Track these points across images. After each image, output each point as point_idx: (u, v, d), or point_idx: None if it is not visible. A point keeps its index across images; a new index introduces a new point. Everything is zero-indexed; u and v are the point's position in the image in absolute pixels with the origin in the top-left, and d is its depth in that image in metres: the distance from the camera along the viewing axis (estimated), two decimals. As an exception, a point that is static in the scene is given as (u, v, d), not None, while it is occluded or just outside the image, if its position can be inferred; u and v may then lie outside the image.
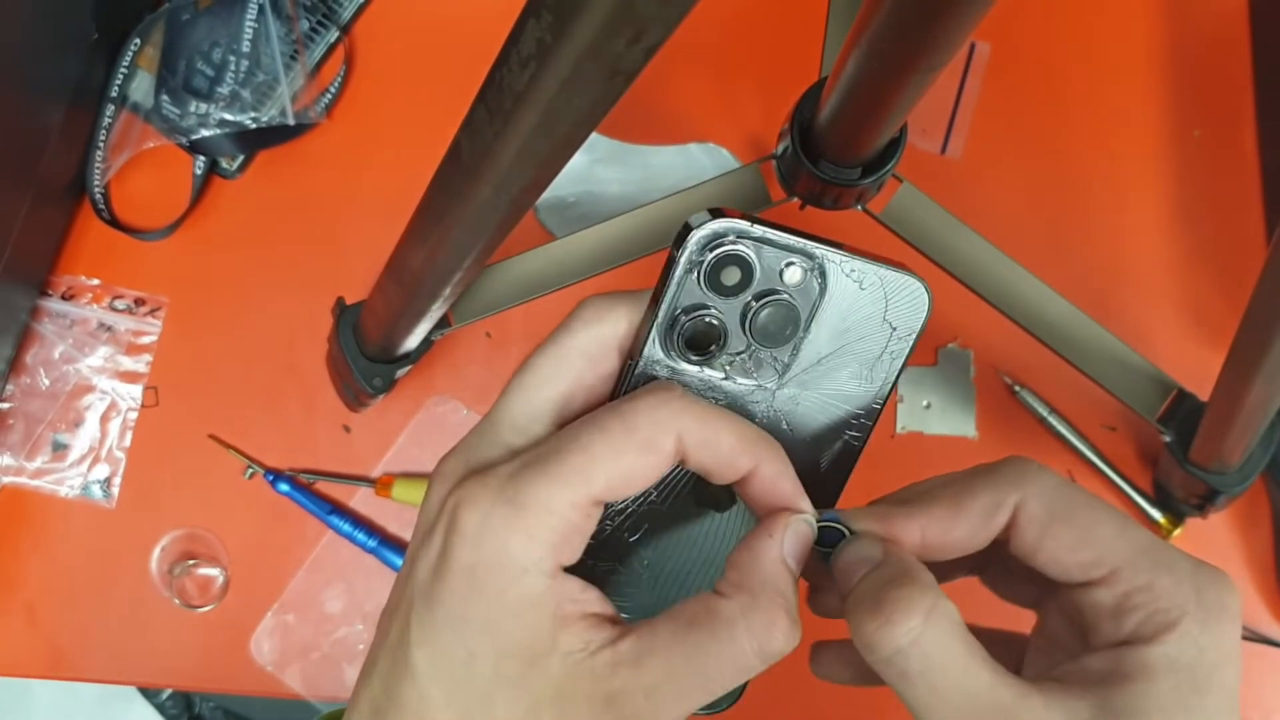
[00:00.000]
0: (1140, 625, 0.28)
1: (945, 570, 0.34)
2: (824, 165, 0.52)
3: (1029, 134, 0.78)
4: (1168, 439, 0.64)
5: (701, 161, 0.75)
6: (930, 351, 0.74)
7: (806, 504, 0.30)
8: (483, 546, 0.28)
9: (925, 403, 0.73)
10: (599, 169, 0.74)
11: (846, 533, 0.31)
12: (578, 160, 0.73)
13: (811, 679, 0.36)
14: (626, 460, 0.28)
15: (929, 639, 0.28)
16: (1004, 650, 0.31)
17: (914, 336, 0.30)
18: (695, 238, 0.28)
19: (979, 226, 0.59)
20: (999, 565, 0.34)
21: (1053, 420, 0.72)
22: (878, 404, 0.31)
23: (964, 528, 0.31)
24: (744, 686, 0.32)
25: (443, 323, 0.59)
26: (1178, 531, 0.71)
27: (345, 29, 0.75)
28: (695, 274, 0.29)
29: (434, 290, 0.51)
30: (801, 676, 0.35)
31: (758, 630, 0.28)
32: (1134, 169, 0.78)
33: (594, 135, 0.73)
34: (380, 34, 0.76)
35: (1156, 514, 0.72)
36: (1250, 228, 0.77)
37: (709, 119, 0.76)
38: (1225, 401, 0.58)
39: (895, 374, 0.31)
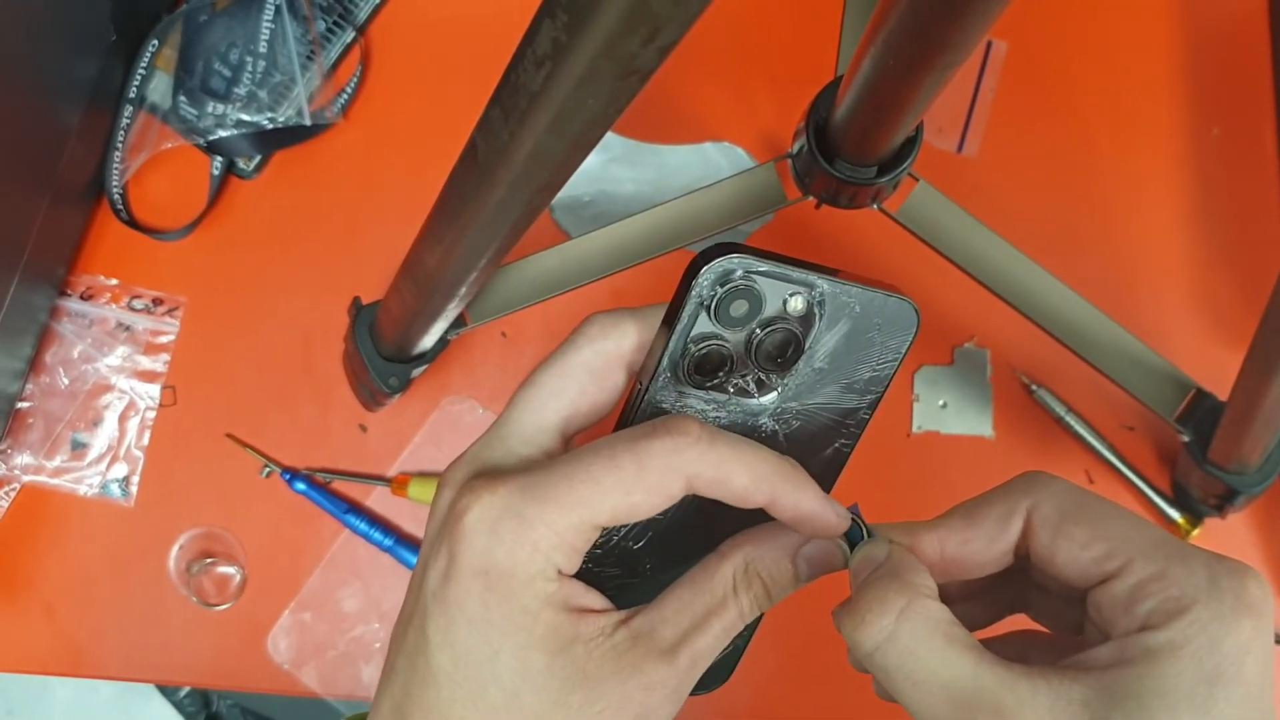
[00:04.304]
0: (1150, 614, 0.28)
1: (988, 606, 0.35)
2: (840, 164, 0.52)
3: (1046, 132, 0.77)
4: (1186, 439, 0.64)
5: (717, 161, 0.75)
6: (947, 351, 0.74)
7: (832, 515, 0.31)
8: (492, 554, 0.29)
9: (941, 402, 0.73)
10: (614, 168, 0.74)
11: (865, 535, 0.32)
12: (593, 160, 0.73)
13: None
14: (633, 498, 0.29)
15: (903, 635, 0.29)
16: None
17: (903, 351, 0.32)
18: (707, 275, 0.30)
19: (995, 225, 0.59)
20: (1041, 597, 0.34)
21: (1070, 420, 0.72)
22: (867, 414, 0.33)
23: (980, 538, 0.31)
24: (732, 668, 0.35)
25: (458, 322, 0.59)
26: (1196, 532, 0.71)
27: (361, 29, 0.75)
28: (706, 307, 0.30)
29: (449, 290, 0.51)
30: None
31: (743, 598, 0.31)
32: (1152, 167, 0.77)
33: (609, 134, 0.73)
34: (396, 34, 0.76)
35: (1175, 514, 0.71)
36: (1269, 227, 0.77)
37: (724, 118, 0.76)
38: (1244, 401, 0.58)
39: (884, 386, 0.33)
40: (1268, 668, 0.28)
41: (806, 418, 0.33)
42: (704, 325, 0.30)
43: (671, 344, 0.30)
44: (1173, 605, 0.28)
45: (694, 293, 0.30)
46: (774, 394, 0.32)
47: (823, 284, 0.30)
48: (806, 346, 0.31)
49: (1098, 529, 0.30)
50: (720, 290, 0.30)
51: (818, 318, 0.31)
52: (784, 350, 0.31)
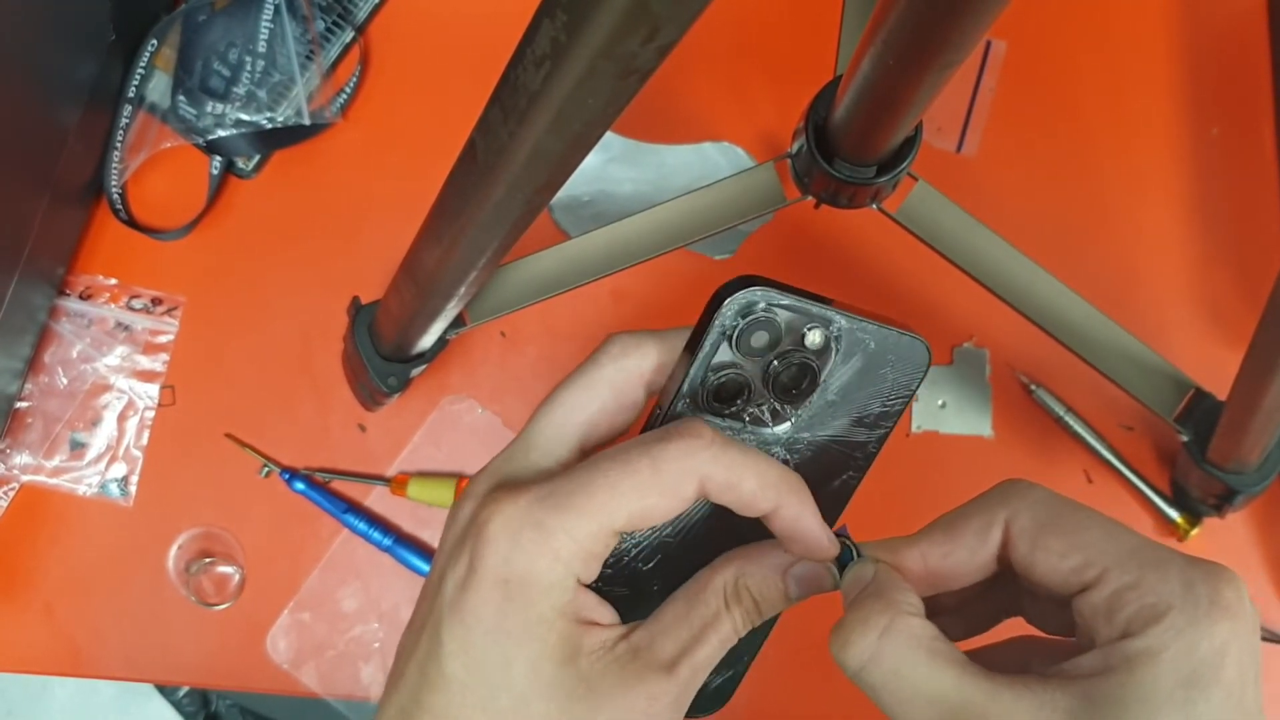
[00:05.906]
0: (1129, 622, 0.29)
1: (982, 613, 0.35)
2: (839, 164, 0.52)
3: (1045, 132, 0.77)
4: (1185, 438, 0.64)
5: (716, 160, 0.75)
6: (946, 350, 0.74)
7: (825, 539, 0.32)
8: (513, 563, 0.30)
9: (941, 402, 0.73)
10: (613, 168, 0.74)
11: (855, 555, 0.33)
12: (592, 159, 0.73)
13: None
14: (649, 501, 0.30)
15: (887, 653, 0.29)
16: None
17: (914, 388, 0.33)
18: (731, 305, 0.31)
19: (995, 225, 0.59)
20: (1034, 601, 0.35)
21: (1069, 420, 0.72)
22: (875, 448, 0.34)
23: (961, 550, 0.32)
24: (732, 692, 0.35)
25: (458, 322, 0.59)
26: (1195, 531, 0.71)
27: (360, 29, 0.75)
28: (728, 337, 0.31)
29: (449, 289, 0.51)
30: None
31: (735, 612, 0.32)
32: (1151, 167, 0.77)
33: (608, 134, 0.73)
34: (395, 34, 0.76)
35: (1174, 514, 0.71)
36: (1268, 226, 0.77)
37: (723, 118, 0.76)
38: (1243, 400, 0.58)
39: (894, 421, 0.34)
40: (1248, 668, 0.28)
41: (817, 449, 0.34)
42: (725, 354, 0.31)
43: (693, 371, 0.32)
44: (1149, 612, 0.28)
45: (717, 322, 0.31)
46: (787, 424, 0.33)
47: (840, 320, 0.32)
48: (821, 380, 0.32)
49: (1074, 539, 0.30)
50: (743, 321, 0.31)
51: (834, 352, 0.32)
52: (799, 382, 0.32)
